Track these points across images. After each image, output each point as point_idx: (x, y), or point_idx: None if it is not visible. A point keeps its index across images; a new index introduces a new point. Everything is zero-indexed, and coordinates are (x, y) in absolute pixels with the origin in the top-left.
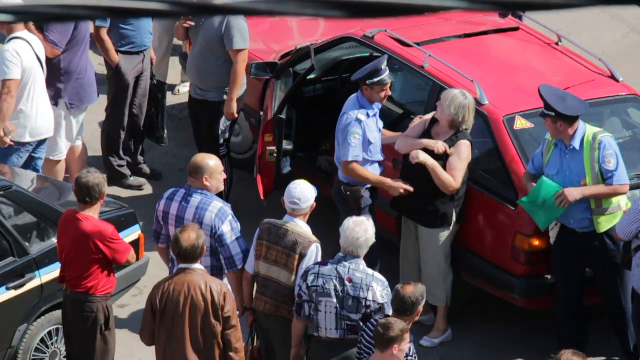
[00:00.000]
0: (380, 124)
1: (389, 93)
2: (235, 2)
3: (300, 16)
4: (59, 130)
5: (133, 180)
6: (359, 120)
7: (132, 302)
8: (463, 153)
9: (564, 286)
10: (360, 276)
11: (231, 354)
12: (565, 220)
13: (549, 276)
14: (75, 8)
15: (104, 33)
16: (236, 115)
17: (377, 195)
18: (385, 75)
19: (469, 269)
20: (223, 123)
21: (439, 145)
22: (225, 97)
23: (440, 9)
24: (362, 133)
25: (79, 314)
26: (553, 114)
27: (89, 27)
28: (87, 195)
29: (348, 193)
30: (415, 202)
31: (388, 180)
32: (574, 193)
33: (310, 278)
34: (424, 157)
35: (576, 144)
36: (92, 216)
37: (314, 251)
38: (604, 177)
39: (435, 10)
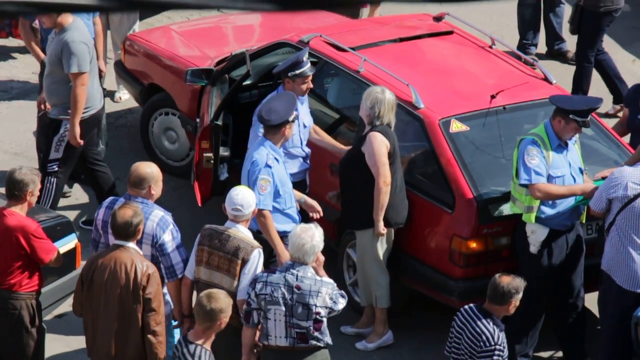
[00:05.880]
0: (310, 121)
1: (311, 86)
2: None
3: (229, 10)
4: None
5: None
6: None
7: (69, 311)
8: (373, 148)
9: (539, 300)
10: (309, 283)
11: (149, 336)
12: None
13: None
14: (3, 4)
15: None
16: (81, 142)
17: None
18: (307, 68)
19: (407, 272)
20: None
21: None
22: (66, 116)
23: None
24: None
25: (2, 311)
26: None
27: None
28: (15, 189)
29: None
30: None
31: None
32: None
33: (258, 286)
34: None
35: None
36: (17, 212)
37: (257, 256)
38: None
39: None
